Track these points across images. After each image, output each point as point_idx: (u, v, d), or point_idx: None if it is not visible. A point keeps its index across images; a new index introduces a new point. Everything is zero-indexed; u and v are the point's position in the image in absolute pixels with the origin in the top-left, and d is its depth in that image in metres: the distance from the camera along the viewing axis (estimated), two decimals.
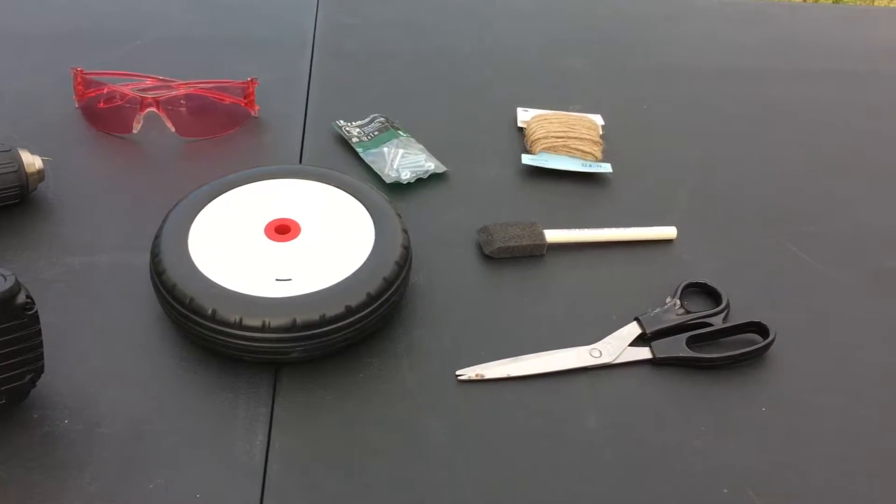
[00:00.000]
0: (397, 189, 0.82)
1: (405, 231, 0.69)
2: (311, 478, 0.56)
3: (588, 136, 0.87)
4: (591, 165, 0.85)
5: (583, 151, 0.86)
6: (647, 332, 0.68)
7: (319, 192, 0.71)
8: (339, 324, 0.61)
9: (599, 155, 0.87)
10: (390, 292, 0.64)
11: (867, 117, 1.01)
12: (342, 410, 0.61)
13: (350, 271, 0.64)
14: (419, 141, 0.88)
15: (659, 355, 0.66)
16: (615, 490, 0.58)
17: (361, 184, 0.72)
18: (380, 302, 0.63)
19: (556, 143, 0.86)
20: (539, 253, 0.76)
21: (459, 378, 0.64)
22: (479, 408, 0.62)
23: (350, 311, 0.62)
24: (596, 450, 0.60)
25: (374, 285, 0.63)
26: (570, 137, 0.86)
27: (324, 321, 0.61)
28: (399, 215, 0.70)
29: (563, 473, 0.58)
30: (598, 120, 0.93)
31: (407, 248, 0.67)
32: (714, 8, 1.24)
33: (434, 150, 0.87)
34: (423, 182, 0.83)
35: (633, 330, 0.69)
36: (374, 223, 0.68)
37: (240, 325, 0.60)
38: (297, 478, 0.56)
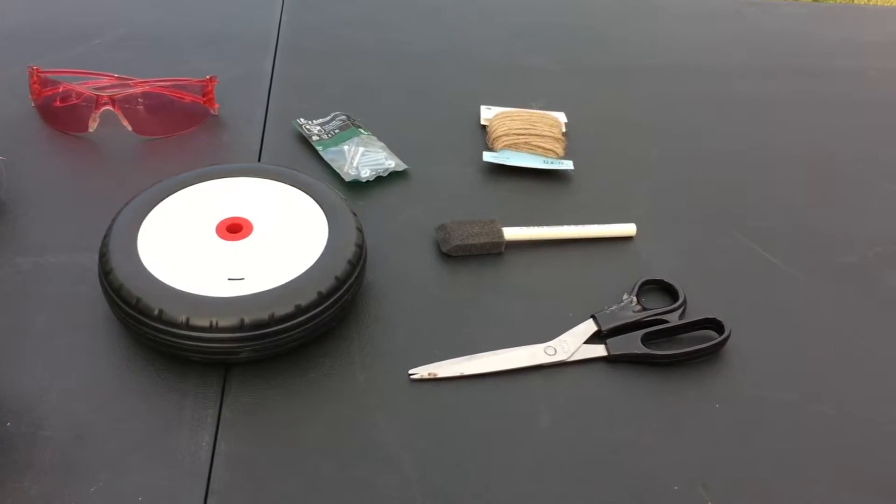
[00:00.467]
0: (357, 187, 0.81)
1: (360, 229, 0.68)
2: (257, 479, 0.56)
3: (550, 134, 0.87)
4: (552, 163, 0.85)
5: (544, 149, 0.86)
6: (603, 329, 0.68)
7: (273, 190, 0.71)
8: (289, 323, 0.61)
9: (561, 152, 0.87)
10: (342, 291, 0.63)
11: (827, 113, 1.01)
12: (291, 410, 0.60)
13: (301, 270, 0.63)
14: (381, 139, 0.87)
15: (614, 352, 0.66)
16: (566, 489, 0.57)
17: (316, 182, 0.72)
18: (331, 301, 0.63)
19: (517, 141, 0.85)
20: (497, 251, 0.75)
21: (412, 377, 0.63)
22: (431, 407, 0.62)
23: (300, 311, 0.61)
24: (548, 448, 0.60)
25: (325, 284, 0.63)
26: (531, 135, 0.86)
27: (273, 321, 0.60)
28: (354, 213, 0.69)
29: (513, 473, 0.58)
30: (562, 117, 0.93)
31: (361, 247, 0.67)
32: (681, 5, 1.24)
33: (396, 149, 0.86)
34: (384, 180, 0.83)
35: (589, 327, 0.68)
36: (329, 221, 0.68)
37: (187, 326, 0.59)
38: (242, 479, 0.55)
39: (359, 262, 0.66)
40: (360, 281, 0.66)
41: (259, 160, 0.84)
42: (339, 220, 0.68)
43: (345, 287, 0.64)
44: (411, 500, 0.56)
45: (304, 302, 0.61)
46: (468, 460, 0.59)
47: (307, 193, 0.70)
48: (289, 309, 0.60)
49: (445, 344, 0.66)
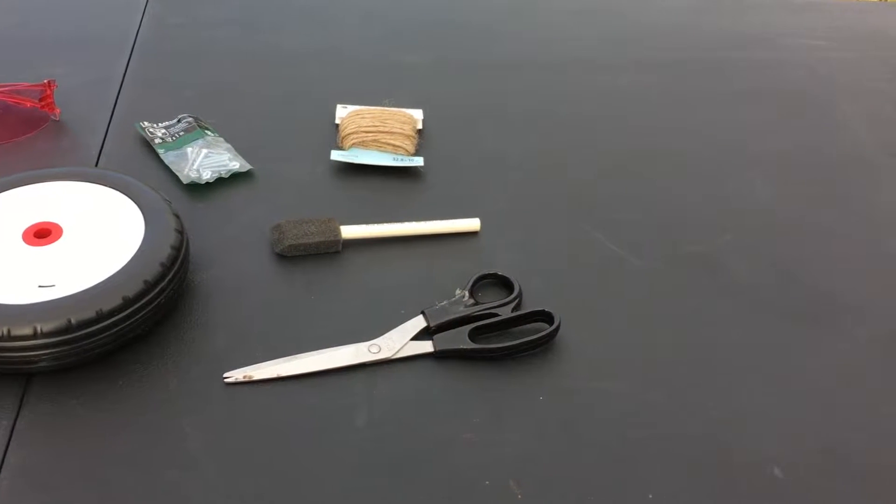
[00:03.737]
0: (199, 190, 0.79)
1: (180, 231, 0.66)
2: (48, 492, 0.54)
3: (400, 131, 0.85)
4: (401, 160, 0.83)
5: (394, 146, 0.84)
6: (432, 325, 0.67)
7: (91, 194, 0.69)
8: (90, 329, 0.59)
9: (412, 149, 0.86)
10: (153, 295, 0.62)
11: (694, 106, 1.00)
12: (95, 419, 0.58)
13: (108, 274, 0.61)
14: (232, 140, 0.85)
15: (440, 348, 0.65)
16: (377, 488, 0.56)
17: (138, 184, 0.70)
18: (139, 305, 0.61)
19: (366, 139, 0.84)
20: (335, 249, 0.74)
21: (226, 381, 0.62)
22: (244, 411, 0.60)
23: (102, 316, 0.59)
24: (363, 448, 0.59)
25: (133, 288, 0.61)
26: (381, 132, 0.85)
27: (71, 327, 0.58)
28: (177, 215, 0.68)
29: (325, 473, 0.57)
30: (418, 114, 0.92)
31: (179, 249, 0.65)
32: (563, 1, 1.23)
33: (247, 150, 0.84)
34: (230, 182, 0.81)
35: (417, 323, 0.67)
36: (146, 224, 0.66)
37: None
38: (30, 493, 0.53)
39: (174, 264, 0.64)
40: (177, 284, 0.64)
41: (97, 165, 0.81)
42: (158, 222, 0.66)
43: (156, 290, 0.62)
44: None
45: (106, 307, 0.59)
46: (279, 462, 0.57)
47: (127, 196, 0.68)
48: (90, 314, 0.58)
49: (269, 346, 0.65)
